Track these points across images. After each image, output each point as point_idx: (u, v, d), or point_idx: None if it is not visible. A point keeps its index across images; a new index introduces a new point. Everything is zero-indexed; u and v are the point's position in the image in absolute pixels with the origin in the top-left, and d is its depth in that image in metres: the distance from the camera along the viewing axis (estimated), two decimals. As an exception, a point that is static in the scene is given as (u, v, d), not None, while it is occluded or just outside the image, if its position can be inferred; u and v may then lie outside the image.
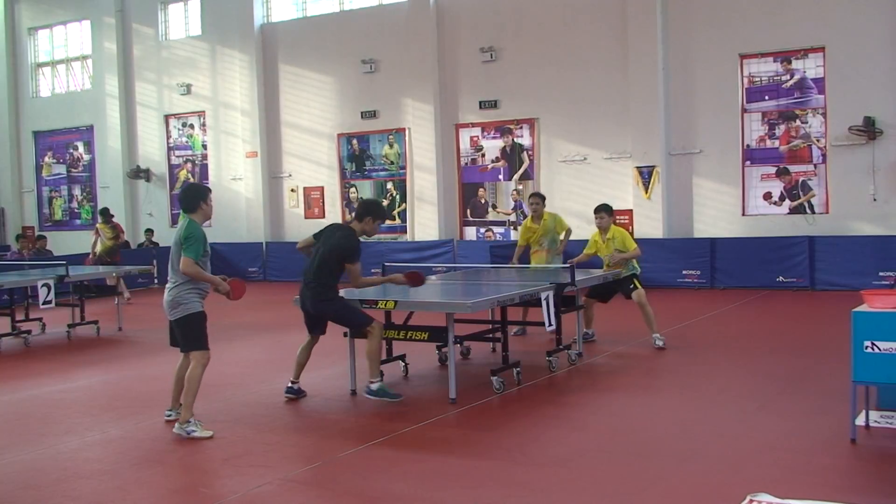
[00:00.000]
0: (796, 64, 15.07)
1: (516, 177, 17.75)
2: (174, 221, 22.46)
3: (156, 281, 19.00)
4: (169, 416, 6.91)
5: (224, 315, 14.20)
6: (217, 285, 6.69)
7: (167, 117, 22.48)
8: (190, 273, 6.47)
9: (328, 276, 7.29)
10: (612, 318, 11.47)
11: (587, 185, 16.87)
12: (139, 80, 22.81)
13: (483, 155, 18.22)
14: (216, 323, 13.37)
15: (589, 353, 9.22)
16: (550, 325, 8.02)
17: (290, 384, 7.66)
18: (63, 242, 22.82)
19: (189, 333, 6.59)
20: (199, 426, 6.48)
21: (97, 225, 16.91)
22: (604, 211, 9.91)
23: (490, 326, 8.95)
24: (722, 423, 6.42)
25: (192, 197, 6.75)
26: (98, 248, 16.30)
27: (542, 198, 10.85)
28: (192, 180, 22.17)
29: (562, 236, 10.69)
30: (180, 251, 6.51)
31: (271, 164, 20.78)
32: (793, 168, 15.19)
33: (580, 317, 9.46)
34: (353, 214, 7.63)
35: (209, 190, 7.01)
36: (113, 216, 17.21)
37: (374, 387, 7.21)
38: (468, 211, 18.49)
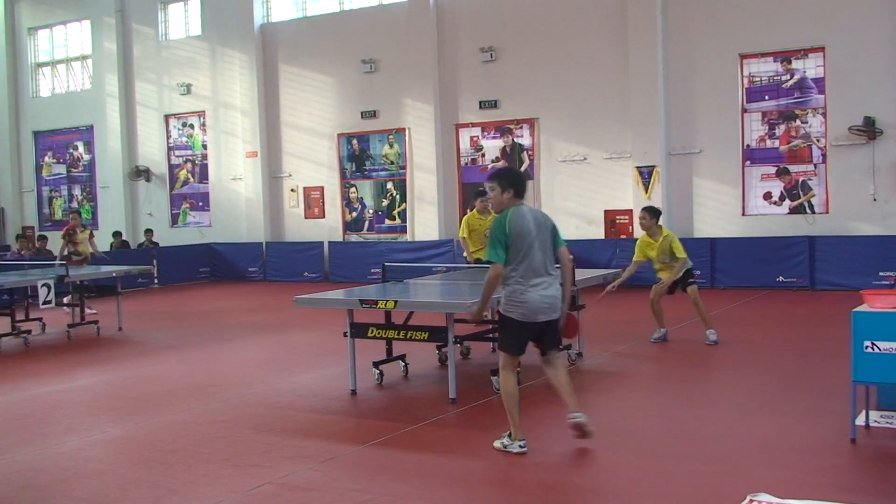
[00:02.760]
0: (796, 64, 15.07)
1: (516, 177, 17.70)
2: (174, 221, 22.47)
3: (156, 281, 19.00)
4: (576, 417, 5.94)
5: (224, 316, 14.20)
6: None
7: (167, 117, 22.48)
8: (571, 264, 5.96)
9: None
10: (612, 318, 11.47)
11: (587, 185, 16.88)
12: (139, 80, 22.81)
13: (483, 155, 18.21)
14: (216, 323, 13.47)
15: (589, 352, 9.22)
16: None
17: None
18: (63, 242, 22.82)
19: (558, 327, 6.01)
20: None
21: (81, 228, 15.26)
22: (646, 212, 9.73)
23: (490, 326, 8.94)
24: (722, 423, 6.42)
25: (524, 182, 6.03)
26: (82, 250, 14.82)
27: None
28: (192, 181, 22.18)
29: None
30: (552, 240, 5.77)
31: (271, 164, 20.77)
32: (793, 168, 15.18)
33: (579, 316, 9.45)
34: None
35: None
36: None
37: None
38: (468, 211, 18.44)
